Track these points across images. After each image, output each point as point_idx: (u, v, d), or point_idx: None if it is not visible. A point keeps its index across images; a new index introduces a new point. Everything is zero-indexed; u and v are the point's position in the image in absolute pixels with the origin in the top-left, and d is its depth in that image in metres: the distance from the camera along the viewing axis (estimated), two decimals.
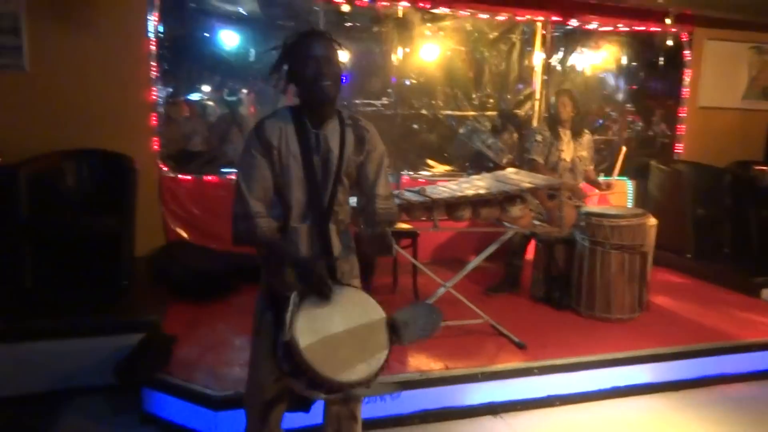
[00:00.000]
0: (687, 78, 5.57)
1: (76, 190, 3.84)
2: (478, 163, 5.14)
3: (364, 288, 2.10)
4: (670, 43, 4.98)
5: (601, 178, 4.76)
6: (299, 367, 1.85)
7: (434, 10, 4.78)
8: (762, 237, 4.82)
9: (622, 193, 5.56)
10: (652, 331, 3.60)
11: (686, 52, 5.53)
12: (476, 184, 3.30)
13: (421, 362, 3.05)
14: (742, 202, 4.97)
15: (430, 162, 5.06)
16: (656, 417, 3.08)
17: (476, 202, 3.13)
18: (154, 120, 4.25)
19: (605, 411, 3.11)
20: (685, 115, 5.63)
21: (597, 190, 4.47)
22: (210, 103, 4.69)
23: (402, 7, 4.71)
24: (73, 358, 3.01)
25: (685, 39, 5.49)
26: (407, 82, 4.89)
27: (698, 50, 5.55)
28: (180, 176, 4.35)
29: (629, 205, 5.52)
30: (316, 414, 2.26)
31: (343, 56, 4.65)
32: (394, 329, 1.98)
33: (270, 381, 2.10)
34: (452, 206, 3.12)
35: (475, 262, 3.38)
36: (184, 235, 4.34)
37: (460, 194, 3.10)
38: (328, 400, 2.03)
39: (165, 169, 4.32)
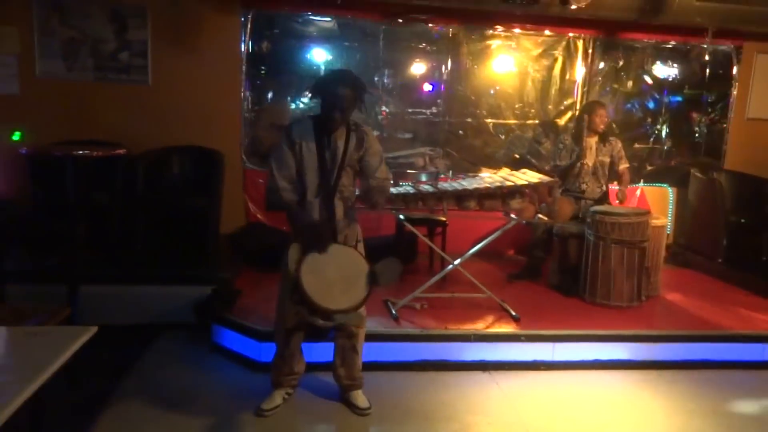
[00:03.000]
0: (735, 90, 5.76)
1: (178, 176, 4.91)
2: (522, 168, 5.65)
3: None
4: (707, 58, 5.23)
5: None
6: (302, 297, 2.65)
7: (483, 30, 5.44)
8: None
9: (664, 199, 5.86)
10: (644, 318, 4.02)
11: (734, 65, 5.73)
12: (485, 181, 3.92)
13: (427, 322, 3.74)
14: None
15: (476, 165, 5.65)
16: (628, 388, 3.52)
17: (481, 195, 3.77)
18: (241, 122, 5.25)
19: (584, 379, 3.61)
20: (729, 126, 5.80)
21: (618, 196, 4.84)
22: (291, 108, 5.60)
23: (452, 28, 5.41)
24: (166, 300, 4.01)
25: (733, 53, 5.69)
26: (455, 93, 5.53)
27: (747, 64, 5.71)
28: (260, 169, 5.30)
29: (670, 211, 5.81)
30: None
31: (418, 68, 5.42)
32: (373, 276, 2.74)
33: (291, 313, 2.92)
34: (460, 198, 3.78)
35: (479, 247, 4.00)
36: (262, 218, 5.29)
37: (465, 187, 3.75)
38: (325, 326, 2.80)
39: (248, 163, 5.30)
